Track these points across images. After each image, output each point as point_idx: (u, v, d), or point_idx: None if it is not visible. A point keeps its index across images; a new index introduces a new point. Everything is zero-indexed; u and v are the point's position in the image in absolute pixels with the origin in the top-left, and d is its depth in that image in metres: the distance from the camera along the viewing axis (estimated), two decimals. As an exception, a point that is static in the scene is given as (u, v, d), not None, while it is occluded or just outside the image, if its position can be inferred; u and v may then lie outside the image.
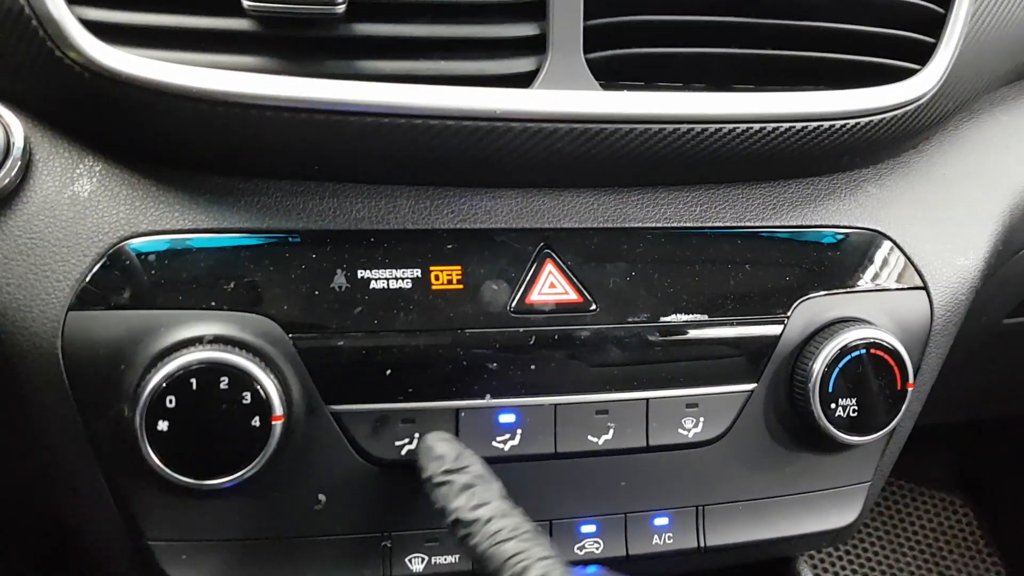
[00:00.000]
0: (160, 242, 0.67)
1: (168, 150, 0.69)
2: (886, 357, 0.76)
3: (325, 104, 0.65)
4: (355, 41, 0.67)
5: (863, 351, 0.75)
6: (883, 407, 0.77)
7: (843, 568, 1.70)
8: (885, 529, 1.76)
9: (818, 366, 0.75)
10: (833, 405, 0.75)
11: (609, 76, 0.72)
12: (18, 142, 0.65)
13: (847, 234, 0.82)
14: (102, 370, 0.66)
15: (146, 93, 0.63)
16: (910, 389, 0.77)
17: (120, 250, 0.67)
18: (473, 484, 0.64)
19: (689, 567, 0.88)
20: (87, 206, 0.67)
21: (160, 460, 0.64)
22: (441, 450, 0.67)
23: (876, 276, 0.81)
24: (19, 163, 0.65)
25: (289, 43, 0.67)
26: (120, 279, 0.66)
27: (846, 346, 0.75)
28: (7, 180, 0.65)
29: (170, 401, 0.63)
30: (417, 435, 0.71)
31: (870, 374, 0.76)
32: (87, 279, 0.66)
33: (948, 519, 1.78)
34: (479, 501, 0.63)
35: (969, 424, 1.69)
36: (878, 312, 0.79)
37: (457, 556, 0.75)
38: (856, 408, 0.76)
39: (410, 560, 0.74)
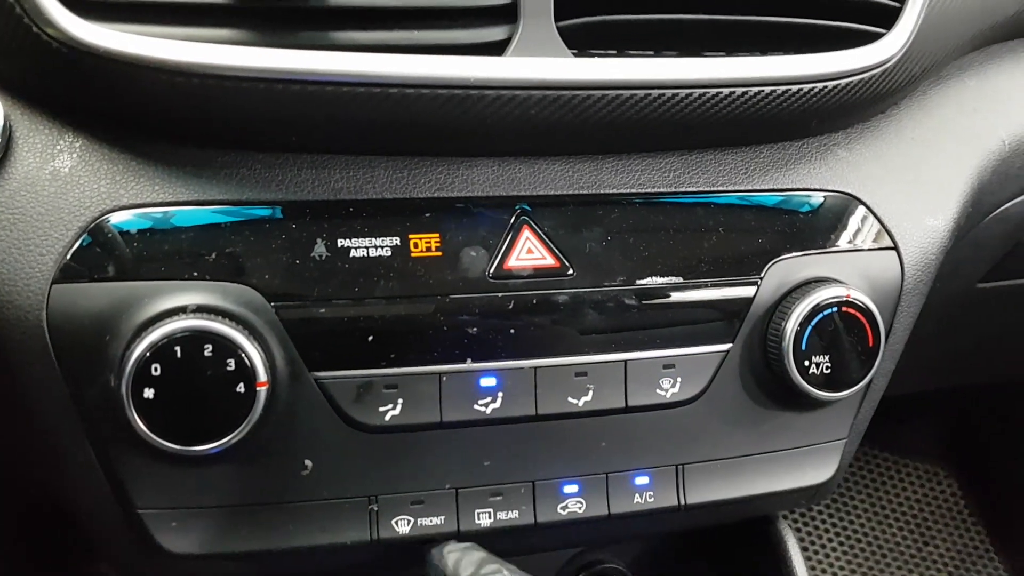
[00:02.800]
0: (141, 215, 0.68)
1: (147, 124, 0.70)
2: (857, 314, 0.77)
3: (301, 75, 0.66)
4: (329, 12, 0.68)
5: (835, 309, 0.76)
6: (856, 363, 0.78)
7: (829, 540, 1.72)
8: (871, 501, 1.78)
9: (791, 324, 0.76)
10: (807, 362, 0.77)
11: (581, 44, 0.73)
12: (-2, 119, 0.66)
13: (818, 197, 0.83)
14: (87, 341, 0.67)
15: (124, 67, 0.64)
16: (882, 345, 0.79)
17: (102, 224, 0.67)
18: None
19: (674, 527, 0.90)
20: (68, 181, 0.68)
21: (147, 427, 0.65)
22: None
23: (847, 237, 0.82)
24: (-1, 140, 0.66)
25: (264, 15, 0.68)
26: (103, 252, 0.67)
27: (818, 304, 0.76)
28: (-12, 157, 0.66)
29: (155, 369, 0.64)
30: (401, 401, 0.72)
31: (842, 331, 0.77)
32: (70, 253, 0.67)
33: (932, 489, 1.81)
34: None
35: (952, 394, 1.71)
36: (850, 272, 0.80)
37: (442, 518, 0.76)
38: (830, 365, 0.77)
39: (396, 522, 0.76)
